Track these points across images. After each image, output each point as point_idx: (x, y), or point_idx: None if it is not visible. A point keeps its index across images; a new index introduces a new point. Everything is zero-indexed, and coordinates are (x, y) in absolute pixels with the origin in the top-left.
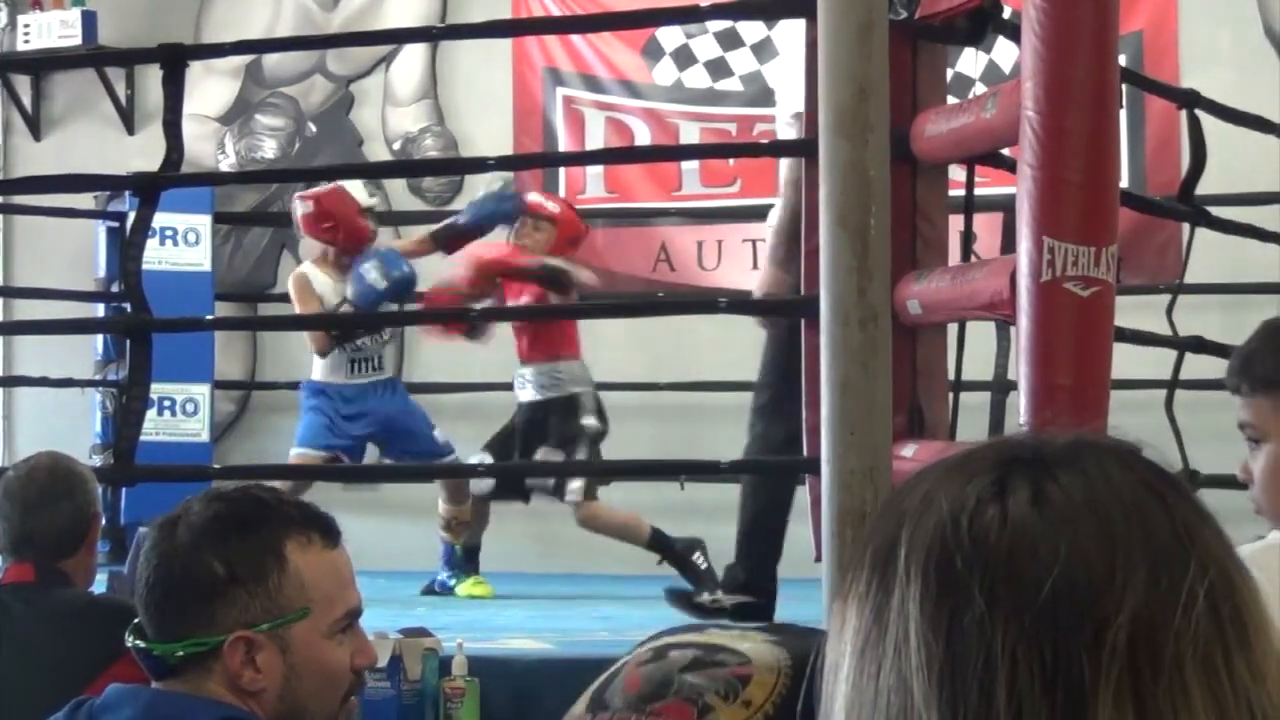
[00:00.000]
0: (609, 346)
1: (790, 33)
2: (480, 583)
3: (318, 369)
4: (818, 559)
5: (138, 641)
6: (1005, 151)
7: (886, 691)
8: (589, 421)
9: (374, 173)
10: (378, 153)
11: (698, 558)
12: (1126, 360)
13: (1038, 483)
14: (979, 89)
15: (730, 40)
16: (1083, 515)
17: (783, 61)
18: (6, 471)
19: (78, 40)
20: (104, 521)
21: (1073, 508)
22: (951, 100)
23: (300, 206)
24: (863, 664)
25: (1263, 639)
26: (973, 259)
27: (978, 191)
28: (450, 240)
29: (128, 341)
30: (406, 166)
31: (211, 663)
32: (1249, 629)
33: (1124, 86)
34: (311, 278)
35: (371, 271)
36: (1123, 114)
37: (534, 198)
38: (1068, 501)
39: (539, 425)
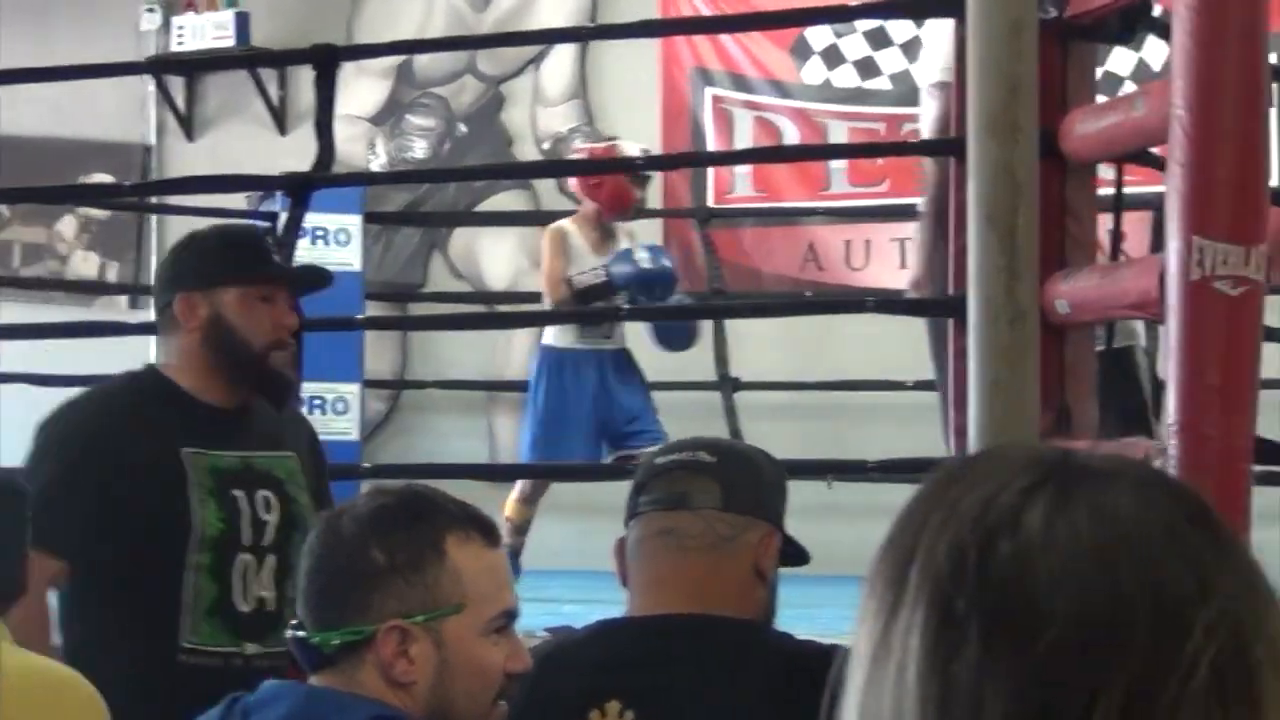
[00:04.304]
0: (755, 345)
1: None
2: None
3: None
4: None
5: (296, 633)
6: (1154, 150)
7: (887, 715)
8: None
9: (523, 173)
10: (527, 153)
11: None
12: (1276, 361)
13: (1052, 521)
14: (1129, 87)
15: (879, 39)
16: (1090, 567)
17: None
18: None
19: (231, 42)
20: None
21: (1082, 556)
22: (1101, 99)
23: (575, 157)
24: (871, 676)
25: (1273, 710)
26: (1121, 258)
27: (1126, 190)
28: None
29: None
30: (555, 167)
31: (366, 653)
32: (1259, 701)
33: (1274, 85)
34: (568, 235)
35: (640, 251)
36: (1273, 112)
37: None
38: (1078, 547)
39: None
